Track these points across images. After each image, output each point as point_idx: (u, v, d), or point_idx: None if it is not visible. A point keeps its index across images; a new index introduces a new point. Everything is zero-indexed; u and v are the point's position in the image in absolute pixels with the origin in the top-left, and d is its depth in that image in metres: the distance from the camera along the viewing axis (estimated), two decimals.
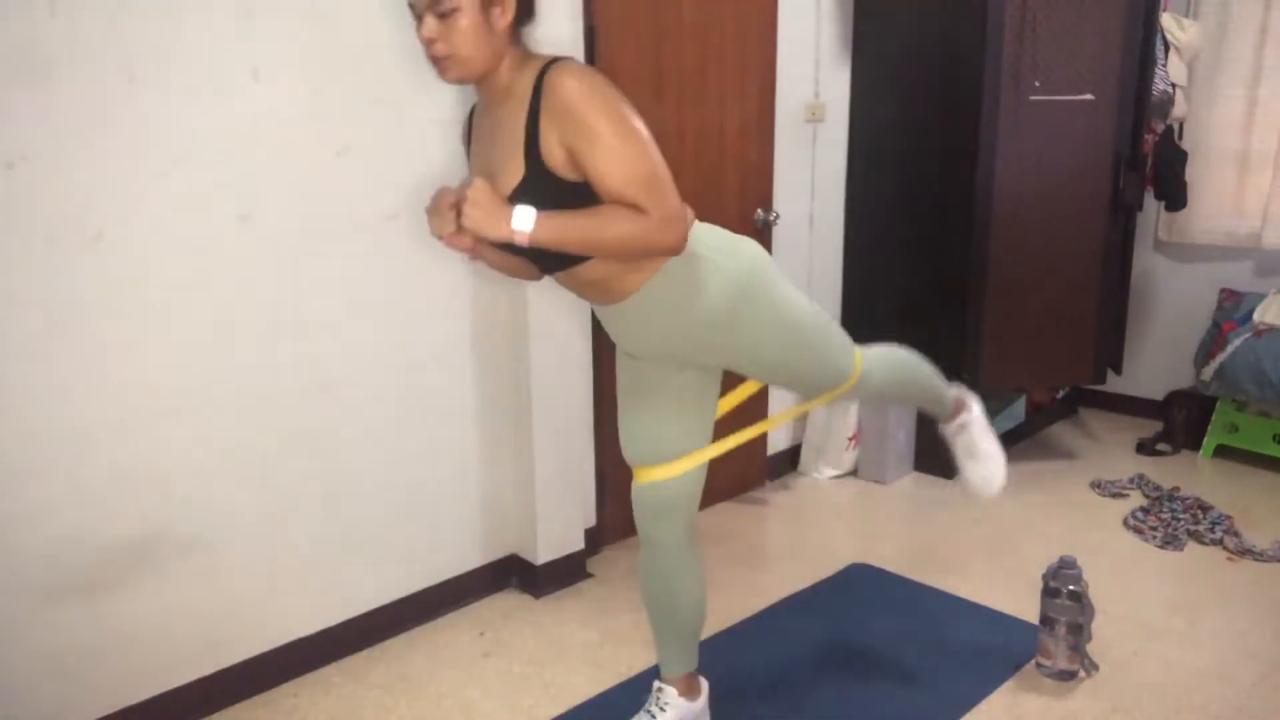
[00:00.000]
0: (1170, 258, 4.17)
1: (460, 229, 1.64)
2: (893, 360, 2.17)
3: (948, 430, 2.38)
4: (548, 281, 2.02)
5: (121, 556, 2.10)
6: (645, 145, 1.59)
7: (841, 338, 2.01)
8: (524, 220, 1.57)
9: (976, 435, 2.39)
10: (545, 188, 1.60)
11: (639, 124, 1.59)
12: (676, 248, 1.64)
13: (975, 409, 2.38)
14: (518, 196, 1.61)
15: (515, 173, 1.62)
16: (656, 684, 2.13)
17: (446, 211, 1.65)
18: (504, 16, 1.61)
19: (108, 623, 2.10)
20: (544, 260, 1.73)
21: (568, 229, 1.59)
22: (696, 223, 1.76)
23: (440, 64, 1.60)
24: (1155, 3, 3.47)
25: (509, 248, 1.67)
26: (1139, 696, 2.30)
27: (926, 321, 3.61)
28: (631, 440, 1.98)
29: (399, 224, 2.45)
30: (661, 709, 2.08)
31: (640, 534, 2.03)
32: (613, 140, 1.56)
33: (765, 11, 3.20)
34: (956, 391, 2.35)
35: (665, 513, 1.97)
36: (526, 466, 2.76)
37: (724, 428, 2.03)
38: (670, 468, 1.93)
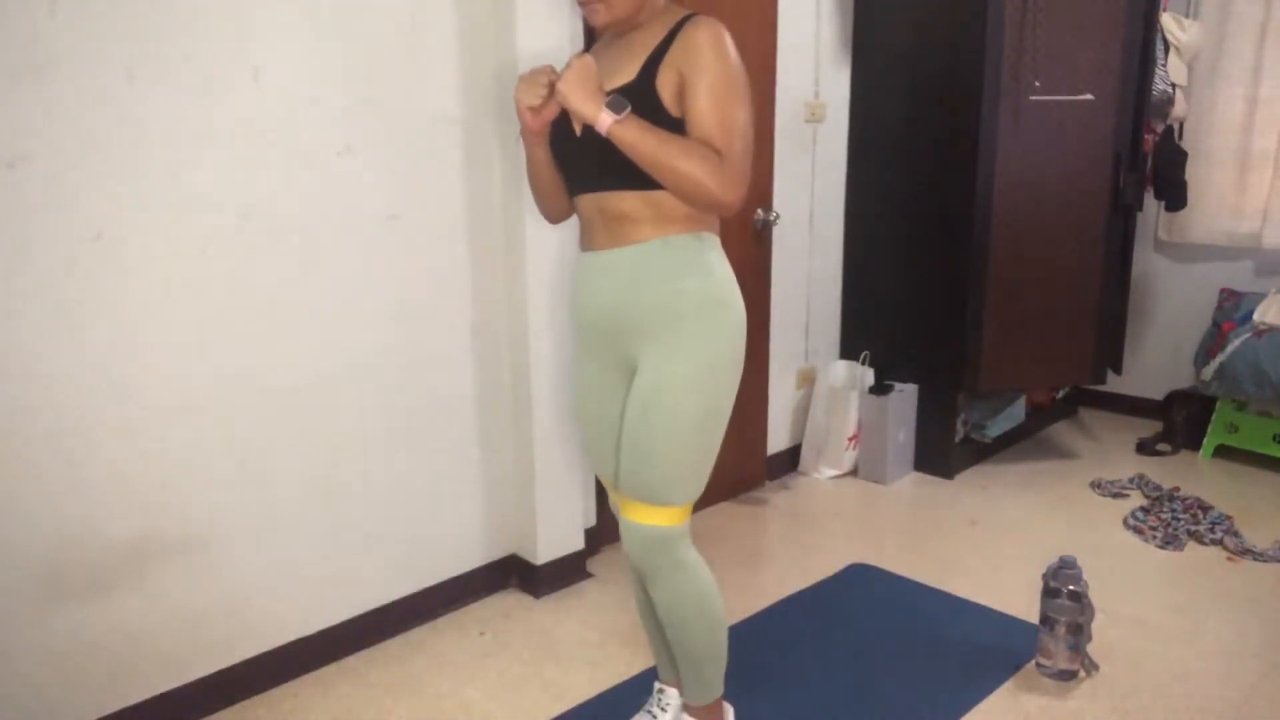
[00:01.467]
0: (1170, 258, 4.17)
1: (543, 102, 1.74)
2: (706, 590, 1.88)
3: (675, 701, 2.08)
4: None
5: (121, 556, 2.10)
6: (744, 105, 1.69)
7: (701, 483, 1.82)
8: (617, 107, 1.65)
9: None
10: (644, 102, 1.67)
11: (746, 89, 1.69)
12: (732, 205, 1.69)
13: None
14: (616, 97, 1.67)
15: (626, 77, 1.71)
16: (658, 684, 2.13)
17: (540, 82, 1.74)
18: None
19: (108, 623, 2.10)
20: (592, 171, 1.76)
21: (648, 136, 1.65)
22: (721, 249, 1.82)
23: (591, 8, 1.72)
24: (1155, 3, 3.47)
25: (568, 146, 1.77)
26: (1139, 696, 2.30)
27: (926, 321, 3.61)
28: (604, 461, 1.92)
29: (399, 224, 2.45)
30: (663, 709, 2.08)
31: (631, 563, 1.91)
32: (722, 88, 1.66)
33: (765, 11, 3.20)
34: (717, 688, 2.02)
35: (661, 546, 1.82)
36: (526, 466, 2.76)
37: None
38: (668, 514, 1.79)
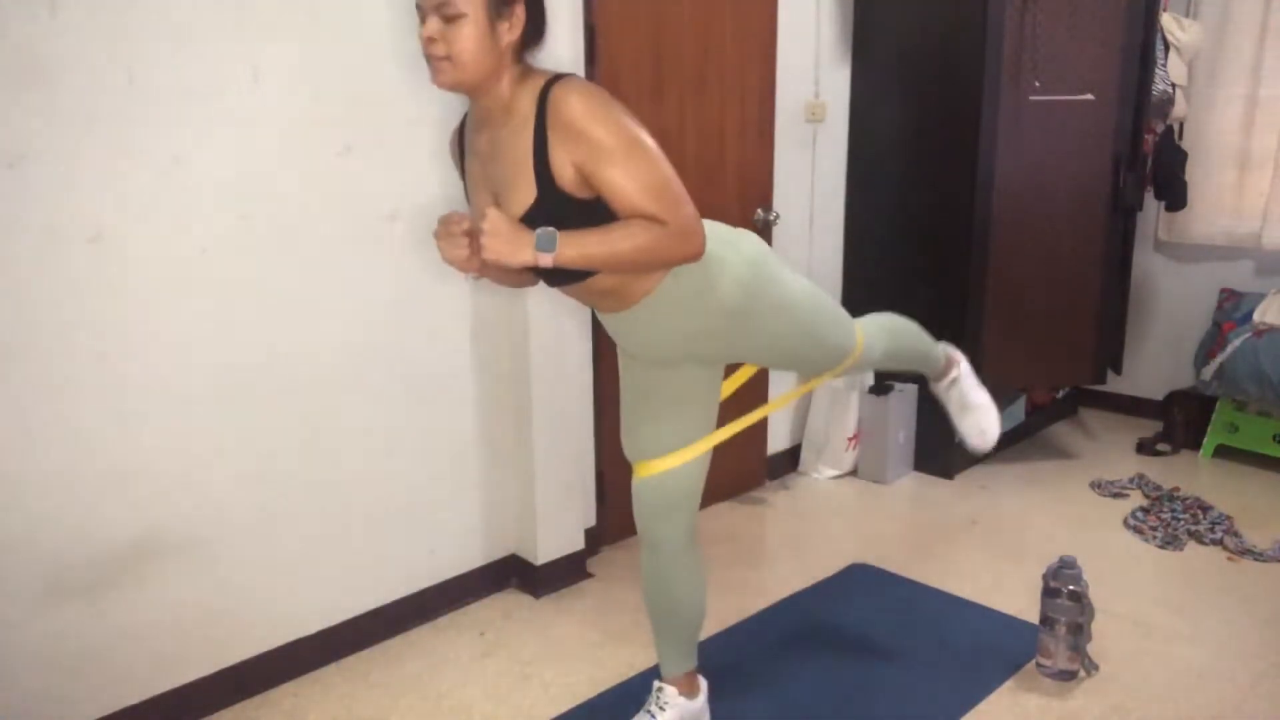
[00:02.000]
0: (1170, 258, 4.17)
1: (469, 253, 1.66)
2: (889, 328, 2.21)
3: (939, 387, 2.43)
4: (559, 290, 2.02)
5: (121, 556, 2.10)
6: (656, 157, 1.59)
7: (842, 313, 2.05)
8: (547, 243, 1.56)
9: (967, 389, 2.43)
10: (559, 208, 1.59)
11: (647, 137, 1.59)
12: (697, 254, 1.64)
13: (963, 364, 2.43)
14: (531, 218, 1.60)
15: (526, 194, 1.60)
16: (656, 683, 2.13)
17: (457, 236, 1.66)
18: (511, 33, 1.59)
19: (108, 623, 2.09)
20: (556, 275, 1.70)
21: (589, 247, 1.58)
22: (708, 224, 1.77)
23: (436, 65, 1.57)
24: (1155, 3, 3.47)
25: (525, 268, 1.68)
26: (1139, 696, 2.30)
27: (926, 321, 3.60)
28: (633, 437, 1.98)
29: (399, 224, 2.45)
30: (661, 708, 2.08)
31: (640, 534, 2.03)
32: (623, 155, 1.56)
33: (765, 11, 3.20)
34: (944, 349, 2.41)
35: (667, 511, 1.97)
36: (526, 466, 2.75)
37: (728, 411, 2.03)
38: (671, 459, 1.93)
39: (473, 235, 1.64)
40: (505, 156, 1.63)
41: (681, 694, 2.10)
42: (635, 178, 1.56)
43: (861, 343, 2.07)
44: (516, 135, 1.61)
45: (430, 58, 1.58)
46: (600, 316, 1.88)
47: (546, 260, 1.57)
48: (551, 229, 1.57)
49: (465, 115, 1.78)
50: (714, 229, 1.78)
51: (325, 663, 2.48)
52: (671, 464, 1.93)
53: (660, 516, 1.97)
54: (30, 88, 1.84)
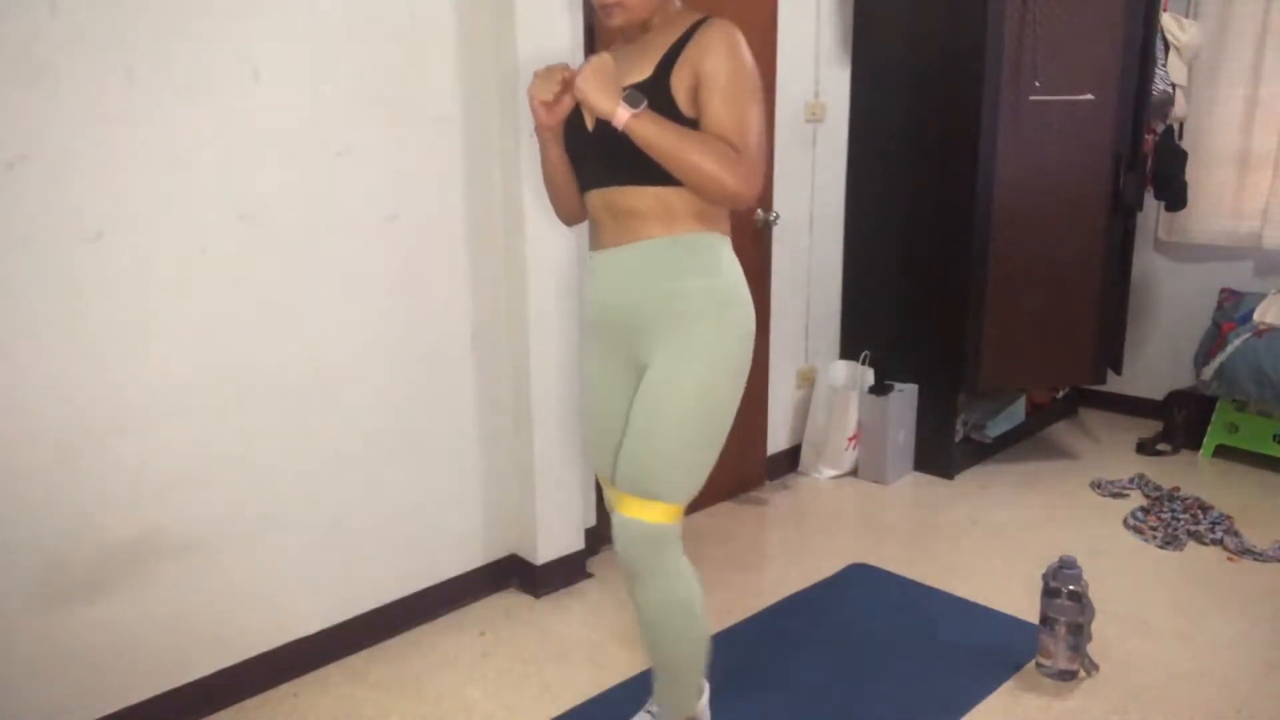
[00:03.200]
0: (1170, 258, 4.17)
1: (557, 97, 1.75)
2: (689, 599, 1.84)
3: None
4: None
5: (121, 556, 2.10)
6: (760, 109, 1.70)
7: (700, 481, 1.81)
8: (635, 101, 1.65)
9: None
10: (656, 97, 1.67)
11: (759, 93, 1.70)
12: (748, 198, 1.69)
13: None
14: (630, 92, 1.67)
15: (640, 75, 1.71)
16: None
17: (555, 78, 1.75)
18: None
19: (108, 623, 2.09)
20: (606, 164, 1.75)
21: (665, 131, 1.65)
22: (730, 249, 1.83)
23: (608, 11, 1.72)
24: (1155, 3, 3.47)
25: (581, 141, 1.77)
26: (1139, 696, 2.30)
27: (926, 321, 3.61)
28: (607, 457, 1.90)
29: (399, 224, 2.45)
30: None
31: (620, 561, 1.84)
32: (736, 88, 1.67)
33: (765, 11, 3.20)
34: (702, 702, 2.05)
35: (649, 544, 1.79)
36: (526, 466, 2.76)
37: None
38: (665, 510, 1.77)
39: (568, 85, 1.74)
40: (640, 54, 1.74)
41: None
42: (734, 107, 1.66)
43: (677, 520, 1.79)
44: (657, 39, 1.74)
45: (602, 6, 1.73)
46: (592, 259, 1.86)
47: (624, 115, 1.64)
48: (641, 95, 1.66)
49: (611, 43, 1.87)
50: (736, 266, 1.82)
51: (325, 663, 2.48)
52: (650, 517, 1.76)
53: (647, 553, 1.79)
54: (30, 87, 1.84)
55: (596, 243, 1.86)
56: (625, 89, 1.67)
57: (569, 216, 1.99)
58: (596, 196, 1.81)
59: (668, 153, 1.65)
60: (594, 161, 1.79)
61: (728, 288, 1.79)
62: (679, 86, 1.68)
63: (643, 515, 1.77)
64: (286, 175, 2.23)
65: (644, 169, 1.69)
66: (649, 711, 2.09)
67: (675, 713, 1.99)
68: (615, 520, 1.83)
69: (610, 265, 1.81)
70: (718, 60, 1.66)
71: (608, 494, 1.98)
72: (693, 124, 1.68)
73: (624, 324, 1.83)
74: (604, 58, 1.69)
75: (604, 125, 1.69)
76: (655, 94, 1.67)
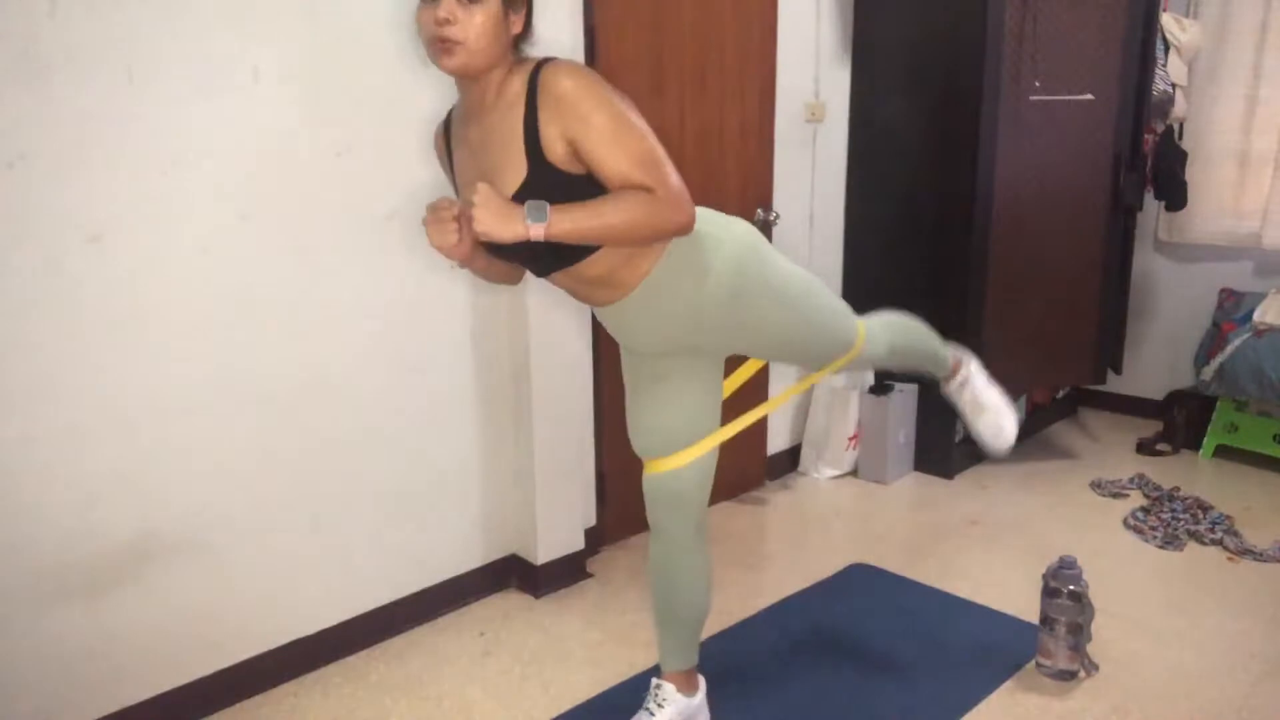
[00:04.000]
0: (1170, 258, 4.17)
1: (458, 238, 1.64)
2: (894, 325, 2.20)
3: (950, 389, 2.40)
4: (548, 281, 2.01)
5: (121, 556, 2.10)
6: (643, 131, 1.61)
7: (841, 305, 2.04)
8: (538, 214, 1.56)
9: (979, 389, 2.41)
10: (550, 183, 1.60)
11: (634, 113, 1.61)
12: (688, 224, 1.64)
13: (973, 364, 2.41)
14: (522, 196, 1.60)
15: (518, 172, 1.61)
16: (655, 680, 2.13)
17: (447, 222, 1.65)
18: (515, 26, 1.63)
19: (107, 623, 2.09)
20: (544, 259, 1.72)
21: (580, 218, 1.58)
22: (697, 220, 1.76)
23: (445, 47, 1.56)
24: (1155, 3, 3.47)
25: (509, 250, 1.67)
26: (1139, 696, 2.30)
27: (926, 321, 3.61)
28: (639, 432, 1.98)
29: (398, 224, 2.45)
30: (660, 705, 2.09)
31: (651, 524, 2.04)
32: (612, 127, 1.58)
33: (765, 11, 3.20)
34: (953, 350, 2.39)
35: (677, 503, 1.98)
36: (526, 467, 2.76)
37: (729, 410, 2.03)
38: (680, 457, 1.94)
39: (462, 220, 1.65)
40: (495, 140, 1.64)
41: (680, 691, 2.10)
42: (624, 148, 1.58)
43: (864, 335, 2.05)
44: (506, 117, 1.62)
45: (440, 40, 1.56)
46: (597, 313, 1.88)
47: (538, 231, 1.56)
48: (542, 201, 1.57)
49: (449, 113, 1.80)
50: (706, 213, 1.78)
51: (325, 663, 2.48)
52: (679, 463, 1.94)
53: (671, 509, 1.99)
54: (30, 87, 1.84)
55: (585, 301, 1.85)
56: (514, 196, 1.59)
57: (514, 283, 1.96)
58: (559, 278, 1.78)
59: (596, 236, 1.61)
60: (533, 260, 1.73)
61: (723, 257, 1.76)
62: (557, 158, 1.59)
63: (851, 354, 2.05)
64: (286, 175, 2.23)
65: (583, 245, 1.66)
66: (647, 709, 2.09)
67: (941, 366, 2.38)
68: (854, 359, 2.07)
69: (625, 314, 1.81)
70: (580, 110, 1.56)
71: (680, 458, 1.95)
72: (590, 180, 1.61)
73: (685, 345, 1.86)
74: (482, 188, 1.57)
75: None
76: (544, 186, 1.59)
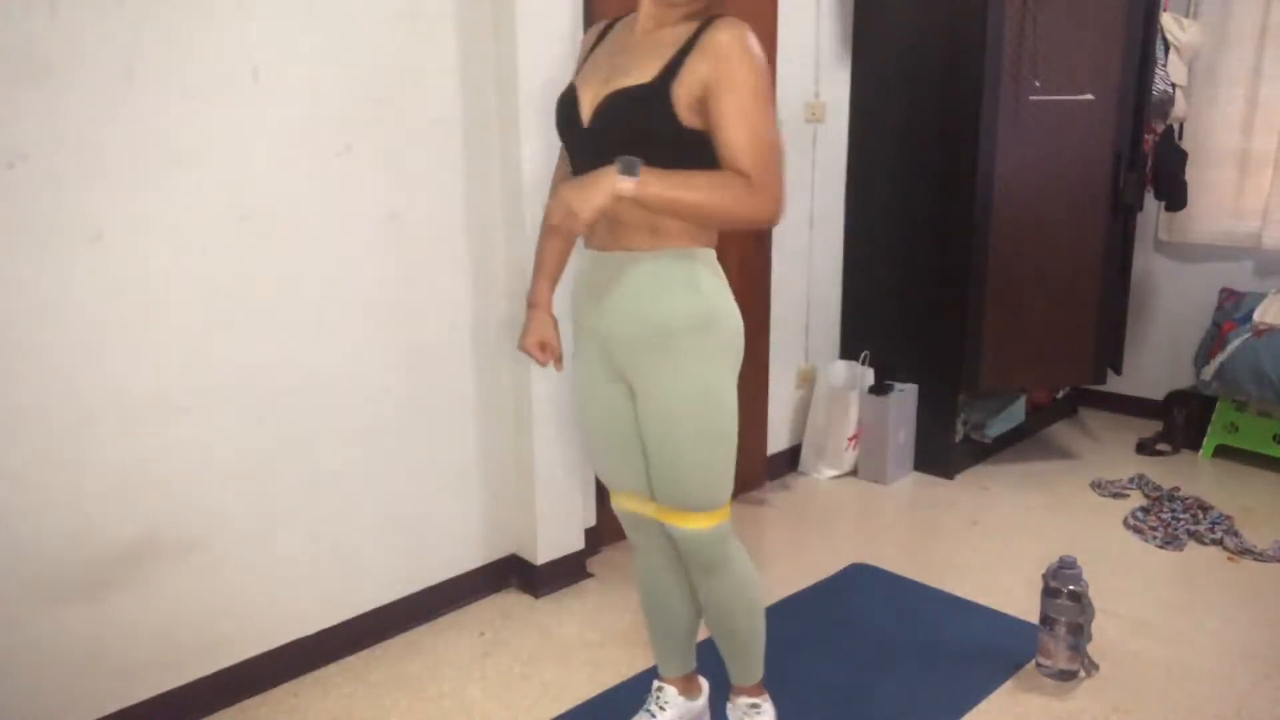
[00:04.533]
0: (1170, 258, 4.17)
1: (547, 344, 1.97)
2: (749, 575, 1.98)
3: (736, 703, 2.06)
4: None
5: (121, 556, 2.10)
6: (770, 120, 1.62)
7: (730, 484, 1.86)
8: (629, 169, 1.55)
9: None
10: (655, 105, 1.59)
11: (772, 98, 1.66)
12: (772, 220, 1.65)
13: (771, 711, 2.08)
14: (628, 95, 1.61)
15: (641, 76, 1.61)
16: (656, 683, 2.13)
17: (534, 350, 1.95)
18: None
19: (107, 623, 2.10)
20: (599, 167, 1.62)
21: (671, 184, 1.57)
22: (714, 262, 1.77)
23: None
24: (1155, 3, 3.47)
25: (578, 137, 1.71)
26: (1139, 696, 2.30)
27: (926, 321, 3.61)
28: (598, 464, 1.99)
29: (399, 224, 2.45)
30: (661, 708, 2.08)
31: (630, 541, 2.04)
32: (749, 100, 1.58)
33: (765, 11, 3.20)
34: (763, 673, 2.09)
35: (643, 524, 1.97)
36: (526, 466, 2.76)
37: None
38: (633, 502, 1.94)
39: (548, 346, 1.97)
40: (642, 51, 1.66)
41: (681, 694, 2.10)
42: (746, 125, 1.58)
43: (725, 519, 1.86)
44: (664, 39, 1.65)
45: None
46: (584, 255, 1.81)
47: (628, 186, 1.55)
48: (635, 158, 1.56)
49: (615, 20, 1.78)
50: (717, 287, 1.76)
51: (325, 663, 2.48)
52: (704, 525, 1.84)
53: (638, 529, 1.99)
54: (30, 87, 1.84)
55: (590, 243, 1.80)
56: (618, 161, 1.56)
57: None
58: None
59: (681, 207, 1.59)
60: (588, 161, 1.68)
61: (708, 304, 1.72)
62: (681, 96, 1.59)
63: (699, 525, 1.83)
64: (286, 175, 2.23)
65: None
66: (648, 711, 2.09)
67: (752, 677, 2.05)
68: (676, 533, 1.87)
69: (599, 268, 1.77)
70: (728, 68, 1.57)
71: (616, 499, 1.98)
72: (689, 137, 1.61)
73: (608, 332, 1.78)
74: (564, 192, 1.59)
75: (600, 120, 1.65)
76: (652, 102, 1.60)
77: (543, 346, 1.97)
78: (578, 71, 1.81)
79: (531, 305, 1.98)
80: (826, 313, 3.82)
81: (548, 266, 1.97)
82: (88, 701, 2.10)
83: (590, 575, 2.93)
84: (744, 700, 2.06)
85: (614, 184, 1.56)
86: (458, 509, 2.72)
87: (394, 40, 2.36)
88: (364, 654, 2.53)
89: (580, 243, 1.88)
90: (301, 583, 2.41)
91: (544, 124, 2.55)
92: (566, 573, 2.86)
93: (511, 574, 2.87)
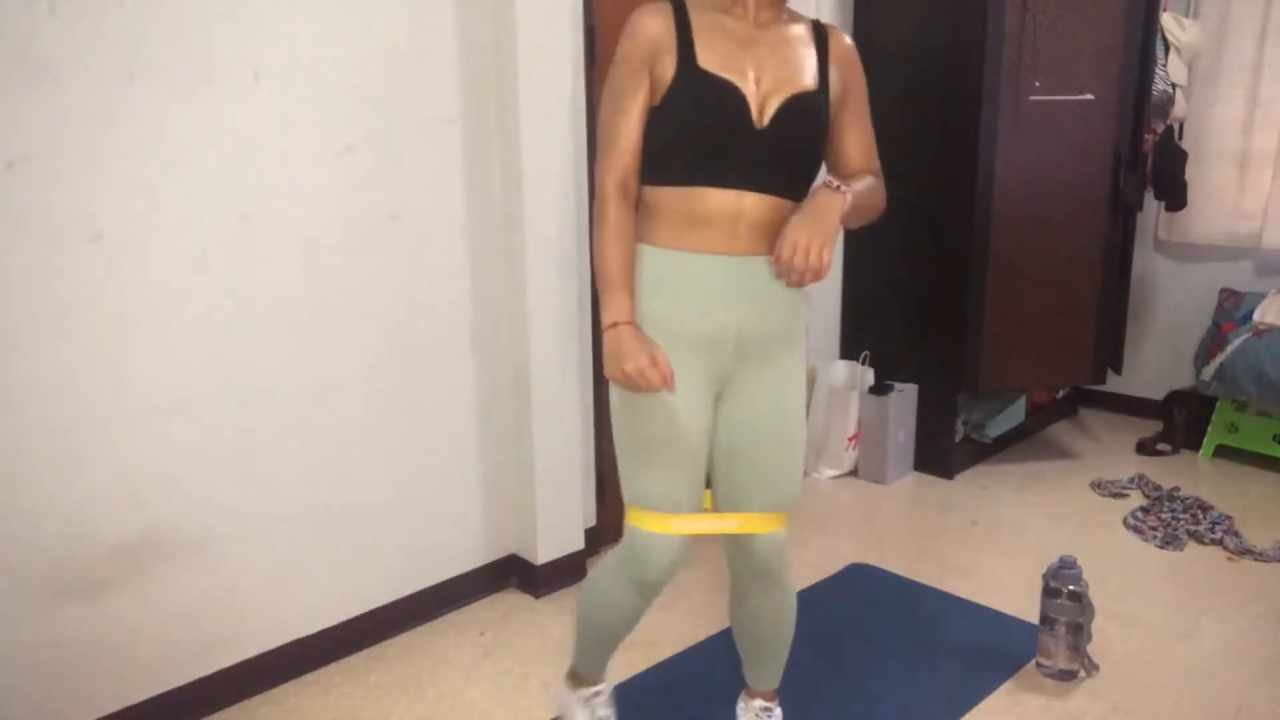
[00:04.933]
0: (1170, 258, 4.17)
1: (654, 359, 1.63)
2: (793, 583, 1.94)
3: (751, 705, 2.06)
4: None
5: (122, 556, 2.10)
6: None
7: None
8: (832, 183, 1.67)
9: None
10: (822, 114, 1.70)
11: None
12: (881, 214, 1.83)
13: (781, 715, 2.07)
14: (807, 99, 1.67)
15: (812, 81, 1.69)
16: (601, 687, 2.09)
17: (649, 369, 1.62)
18: None
19: (108, 623, 2.09)
20: (764, 169, 1.65)
21: (860, 192, 1.70)
22: None
23: None
24: (1155, 3, 3.47)
25: (744, 137, 1.63)
26: (1139, 696, 2.30)
27: (926, 321, 3.62)
28: (677, 484, 1.75)
29: (399, 224, 2.45)
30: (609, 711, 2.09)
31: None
32: (866, 106, 1.80)
33: None
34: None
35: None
36: (526, 467, 2.76)
37: None
38: (708, 522, 1.78)
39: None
40: (788, 52, 1.69)
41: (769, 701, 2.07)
42: (869, 128, 1.81)
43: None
44: (794, 42, 1.70)
45: None
46: (703, 262, 1.67)
47: (848, 200, 1.65)
48: (837, 180, 1.68)
49: (676, 4, 1.69)
50: None
51: (325, 663, 2.48)
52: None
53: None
54: (30, 87, 1.84)
55: (708, 244, 1.66)
56: (830, 184, 1.64)
57: None
58: (729, 198, 1.64)
59: (861, 209, 1.71)
60: (753, 161, 1.63)
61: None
62: (830, 105, 1.72)
63: (780, 527, 1.81)
64: (286, 175, 2.23)
65: (798, 181, 1.68)
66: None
67: (775, 682, 2.06)
68: (762, 541, 1.79)
69: (740, 273, 1.67)
70: (858, 78, 1.75)
71: (693, 523, 1.77)
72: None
73: (743, 335, 1.69)
74: (792, 231, 1.57)
75: (782, 126, 1.63)
76: (823, 111, 1.70)
77: (655, 361, 1.63)
78: (695, 58, 1.63)
79: (625, 323, 1.67)
80: (826, 313, 3.82)
81: (629, 279, 1.70)
82: (88, 701, 2.10)
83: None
84: (759, 703, 2.05)
85: (842, 201, 1.63)
86: (458, 509, 2.72)
87: (394, 40, 2.36)
88: (364, 654, 2.53)
89: (677, 243, 1.69)
90: (301, 583, 2.41)
91: (544, 124, 2.56)
92: (566, 573, 2.86)
93: (511, 574, 2.87)
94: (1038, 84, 3.30)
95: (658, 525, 1.73)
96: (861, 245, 3.78)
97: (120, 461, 2.07)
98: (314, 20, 2.22)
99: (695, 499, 1.77)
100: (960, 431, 3.80)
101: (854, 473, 3.73)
